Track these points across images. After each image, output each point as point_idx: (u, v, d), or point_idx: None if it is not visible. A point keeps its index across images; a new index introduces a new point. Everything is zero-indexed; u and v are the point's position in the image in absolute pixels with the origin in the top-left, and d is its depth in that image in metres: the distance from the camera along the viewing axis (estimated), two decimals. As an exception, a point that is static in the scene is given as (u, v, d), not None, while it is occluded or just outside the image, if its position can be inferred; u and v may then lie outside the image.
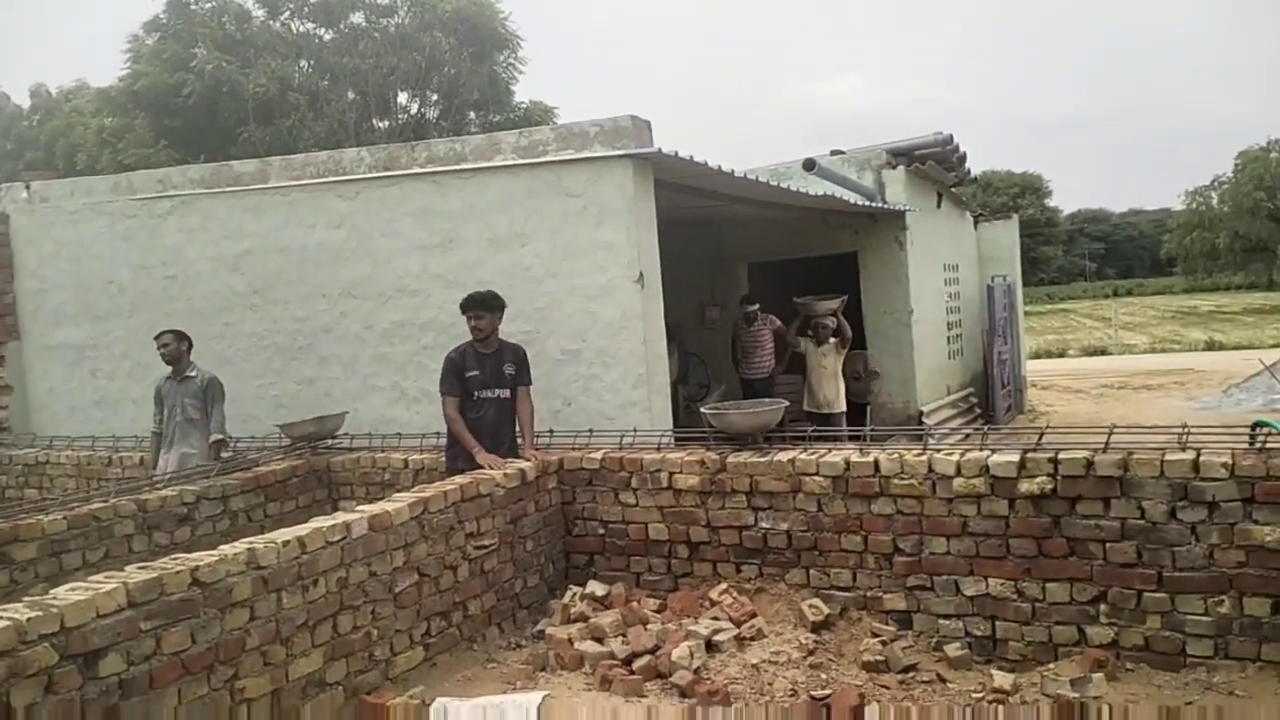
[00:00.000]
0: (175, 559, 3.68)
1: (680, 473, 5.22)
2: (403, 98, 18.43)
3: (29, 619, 3.07)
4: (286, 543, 3.93)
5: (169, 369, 6.68)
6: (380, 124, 18.41)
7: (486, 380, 5.71)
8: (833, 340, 8.89)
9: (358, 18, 17.74)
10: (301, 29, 17.83)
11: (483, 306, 5.71)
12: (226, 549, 3.81)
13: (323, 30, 17.87)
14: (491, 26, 17.77)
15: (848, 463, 4.83)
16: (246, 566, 3.75)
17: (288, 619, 3.89)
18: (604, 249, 6.13)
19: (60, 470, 7.74)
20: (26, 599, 3.27)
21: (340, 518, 4.30)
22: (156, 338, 6.75)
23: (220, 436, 6.58)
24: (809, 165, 9.45)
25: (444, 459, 5.81)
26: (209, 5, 17.10)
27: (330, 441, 6.83)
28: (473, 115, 19.16)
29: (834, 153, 11.23)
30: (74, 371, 8.53)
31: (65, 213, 8.39)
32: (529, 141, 6.37)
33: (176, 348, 6.64)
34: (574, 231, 6.22)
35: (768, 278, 11.62)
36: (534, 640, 4.95)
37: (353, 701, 4.12)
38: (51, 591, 3.37)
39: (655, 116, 6.11)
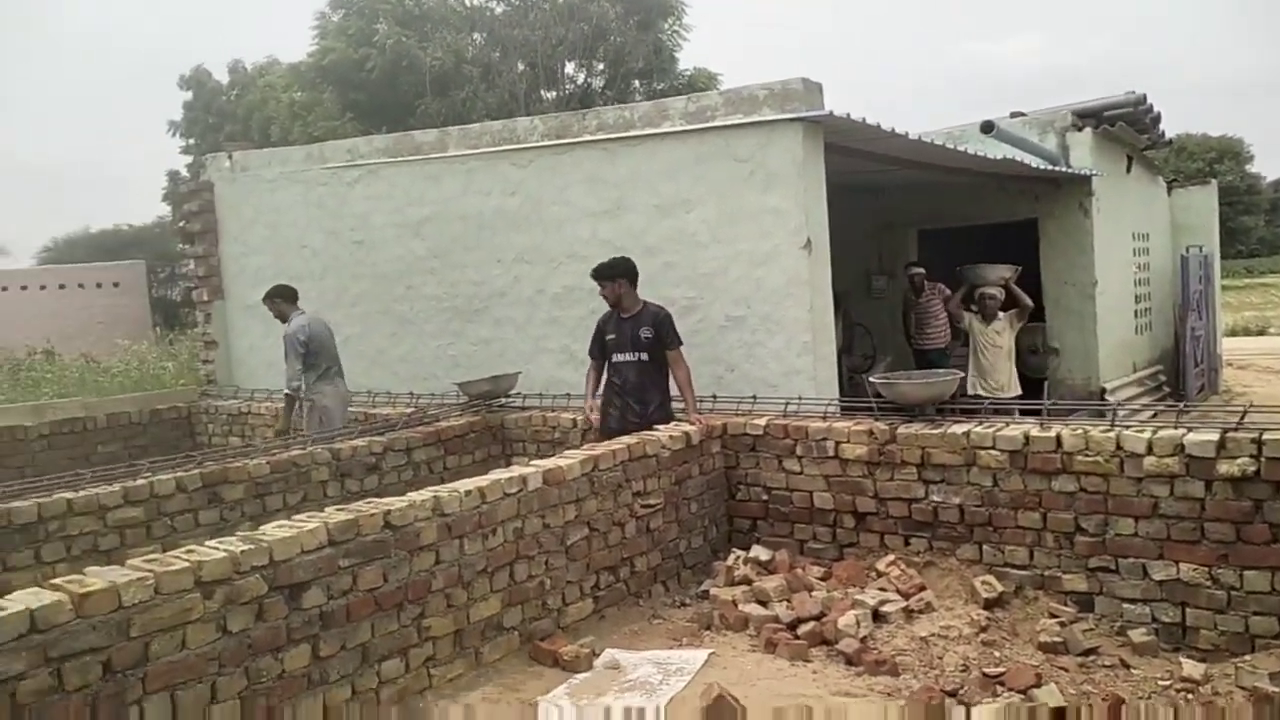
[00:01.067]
0: (369, 503, 3.93)
1: (848, 442, 5.15)
2: (570, 68, 18.74)
3: (243, 551, 3.35)
4: (469, 492, 4.13)
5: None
6: (548, 94, 18.76)
7: (622, 344, 5.89)
8: (1003, 315, 8.01)
9: (528, -10, 18.14)
10: (474, 3, 18.37)
11: (605, 275, 5.92)
12: (414, 496, 4.04)
13: (495, 3, 18.36)
14: (657, -6, 17.85)
15: (1027, 437, 4.64)
16: (432, 513, 3.97)
17: (469, 564, 4.09)
18: (771, 214, 6.08)
19: (260, 420, 8.37)
20: (239, 534, 3.57)
21: (516, 471, 4.47)
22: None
23: (287, 391, 6.86)
24: (987, 128, 9.03)
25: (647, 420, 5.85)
26: (390, -19, 17.87)
27: (504, 400, 7.11)
28: (637, 84, 19.26)
29: (1013, 114, 10.67)
30: (271, 329, 9.12)
31: (263, 181, 9.00)
32: (697, 107, 6.37)
33: (276, 309, 7.17)
34: (741, 197, 6.20)
35: (939, 246, 11.20)
36: (698, 600, 5.03)
37: (528, 645, 4.30)
38: (260, 528, 3.66)
39: (821, 78, 5.99)
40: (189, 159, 20.06)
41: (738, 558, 5.19)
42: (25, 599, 2.89)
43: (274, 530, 3.56)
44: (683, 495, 5.29)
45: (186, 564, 3.19)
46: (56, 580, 3.06)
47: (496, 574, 4.23)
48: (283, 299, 7.21)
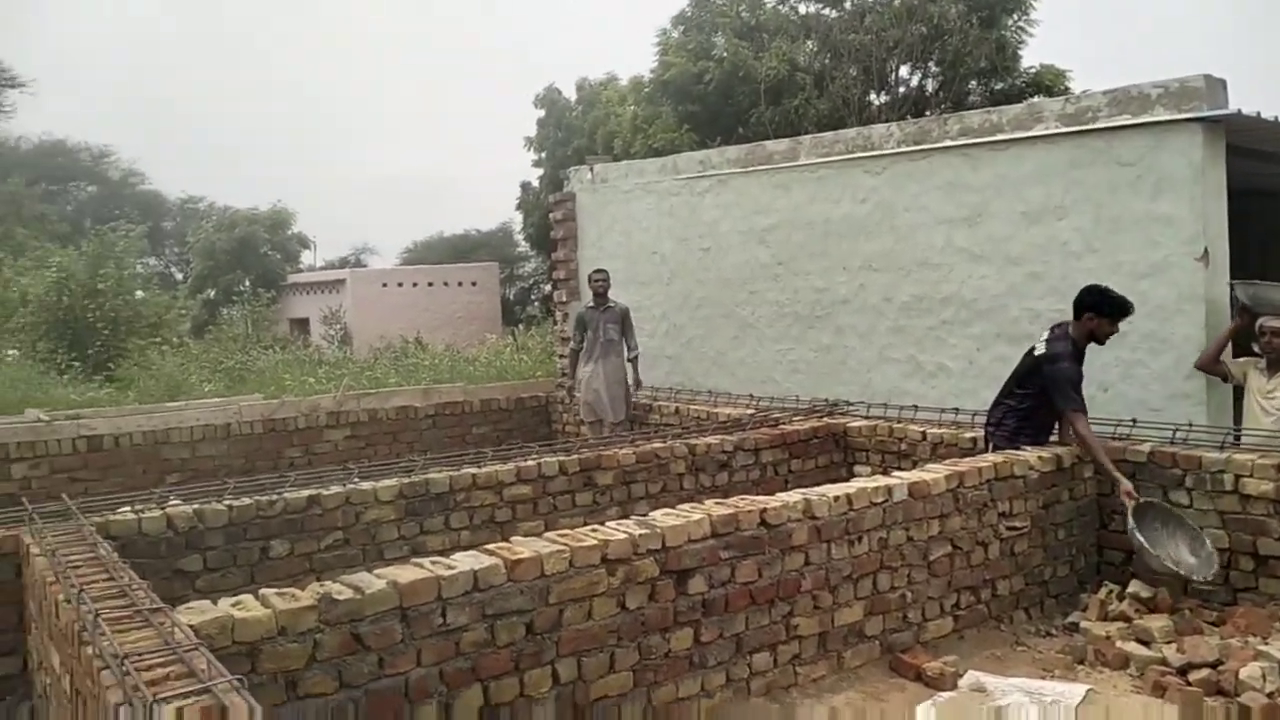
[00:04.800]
0: (744, 499, 4.09)
1: (1251, 476, 4.64)
2: (903, 70, 18.27)
3: (640, 535, 3.62)
4: (837, 498, 4.18)
5: (590, 300, 8.62)
6: (878, 99, 18.43)
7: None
8: None
9: (865, -7, 17.92)
10: (809, 10, 18.44)
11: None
12: (786, 496, 4.16)
13: (829, 9, 18.29)
14: (1004, -12, 16.92)
15: None
16: (803, 515, 4.07)
17: (835, 569, 4.15)
18: (1159, 223, 5.61)
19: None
20: (634, 518, 3.86)
21: (882, 481, 4.47)
22: (594, 274, 8.57)
23: (638, 353, 8.49)
24: None
25: (994, 440, 5.47)
26: (727, -5, 18.39)
27: (846, 407, 7.11)
28: (974, 84, 18.40)
29: None
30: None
31: (620, 191, 9.62)
32: (1076, 108, 6.00)
33: (609, 282, 8.48)
34: (1123, 204, 5.77)
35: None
36: (1065, 632, 4.75)
37: (888, 656, 4.29)
38: (650, 514, 3.93)
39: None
40: (540, 171, 21.89)
41: (1111, 591, 4.84)
42: (468, 561, 3.31)
43: (663, 517, 3.82)
44: (1050, 520, 5.02)
45: (595, 542, 3.50)
46: (490, 546, 3.48)
47: (860, 581, 4.26)
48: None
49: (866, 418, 6.95)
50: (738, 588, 3.86)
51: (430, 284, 23.18)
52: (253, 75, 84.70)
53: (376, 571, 3.21)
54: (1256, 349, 5.34)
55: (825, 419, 6.95)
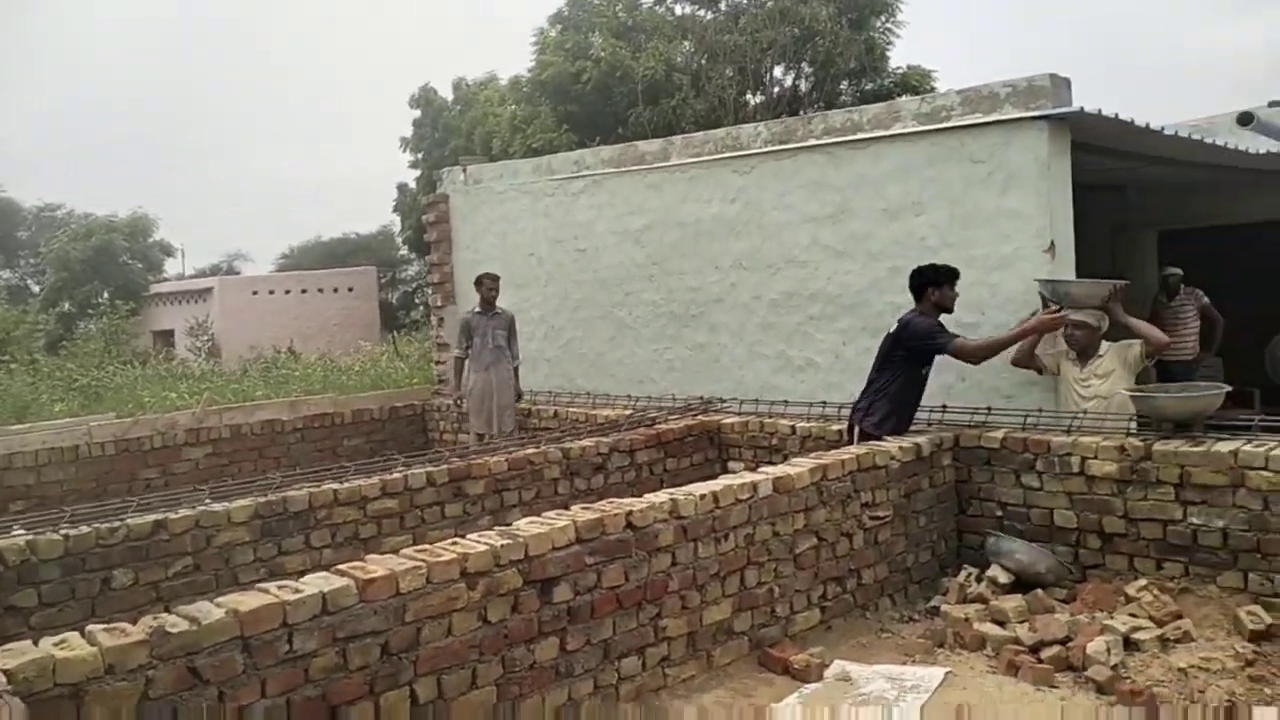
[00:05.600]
0: (610, 503, 4.06)
1: (1095, 458, 4.87)
2: (777, 71, 18.60)
3: (502, 545, 3.55)
4: (703, 496, 4.19)
5: (476, 306, 8.25)
6: (754, 99, 18.72)
7: None
8: (1109, 349, 5.45)
9: (739, -5, 18.18)
10: (685, 11, 18.60)
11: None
12: (652, 497, 4.15)
13: (704, 10, 18.49)
14: (872, -10, 17.39)
15: (1307, 458, 4.23)
16: (669, 515, 4.06)
17: (702, 568, 4.16)
18: (1009, 217, 5.83)
19: (487, 419, 8.77)
20: (497, 529, 3.78)
21: (748, 477, 4.50)
22: (484, 278, 8.20)
23: (519, 362, 8.32)
24: (1245, 119, 8.29)
25: (861, 425, 5.58)
26: (605, -5, 18.38)
27: (720, 404, 7.16)
28: (845, 84, 18.89)
29: (1272, 104, 9.76)
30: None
31: (494, 193, 9.48)
32: (931, 107, 6.19)
33: (498, 289, 8.20)
34: (976, 199, 5.98)
35: (1182, 249, 10.37)
36: (927, 616, 4.89)
37: (757, 651, 4.32)
38: (513, 524, 3.86)
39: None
40: (416, 173, 21.45)
41: (970, 575, 5.02)
42: (317, 583, 3.18)
43: (527, 526, 3.75)
44: (912, 508, 5.16)
45: (454, 555, 3.41)
46: (342, 566, 3.35)
47: (728, 579, 4.28)
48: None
49: (739, 414, 7.03)
50: (604, 593, 3.82)
51: (304, 290, 22.44)
52: (126, 79, 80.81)
53: (216, 600, 3.05)
54: (1063, 340, 5.60)
55: (700, 417, 7.00)
